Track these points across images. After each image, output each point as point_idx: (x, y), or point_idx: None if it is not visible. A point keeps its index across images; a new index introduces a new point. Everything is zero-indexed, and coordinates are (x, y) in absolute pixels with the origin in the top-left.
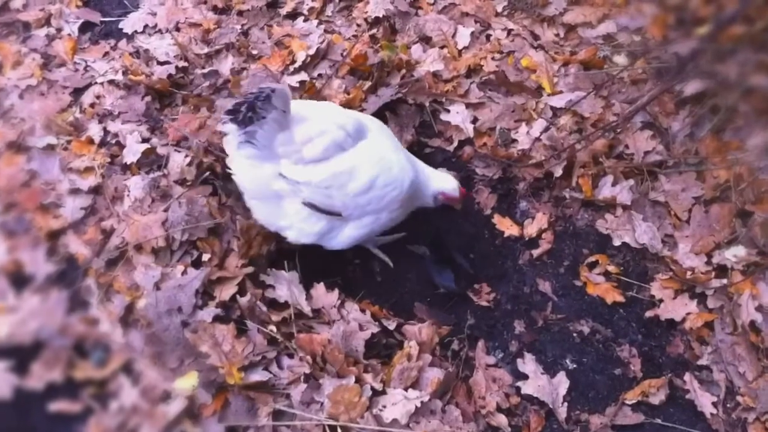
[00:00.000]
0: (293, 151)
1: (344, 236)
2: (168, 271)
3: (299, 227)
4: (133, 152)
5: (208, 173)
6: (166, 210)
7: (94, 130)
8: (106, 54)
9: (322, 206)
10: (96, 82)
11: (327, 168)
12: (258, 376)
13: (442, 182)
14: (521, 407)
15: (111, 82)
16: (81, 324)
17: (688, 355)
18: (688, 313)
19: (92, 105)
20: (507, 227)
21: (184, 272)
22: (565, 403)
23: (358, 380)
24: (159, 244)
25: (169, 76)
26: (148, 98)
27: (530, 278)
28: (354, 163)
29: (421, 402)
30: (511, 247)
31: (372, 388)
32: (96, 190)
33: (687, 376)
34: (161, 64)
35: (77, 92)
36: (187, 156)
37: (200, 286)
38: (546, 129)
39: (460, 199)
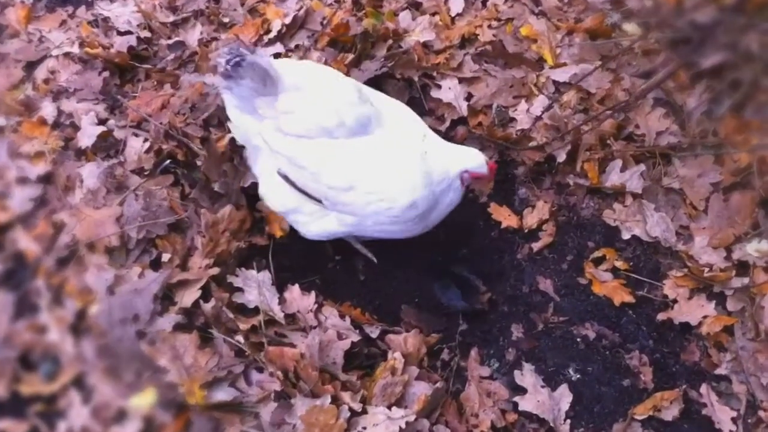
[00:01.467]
0: (272, 117)
1: (320, 226)
2: (123, 273)
3: (271, 191)
4: (88, 135)
5: (168, 161)
6: (121, 204)
7: (48, 110)
8: (63, 23)
9: (298, 184)
10: (51, 55)
11: (306, 147)
12: (223, 394)
13: (465, 160)
14: (518, 425)
15: (67, 55)
16: (28, 332)
17: (705, 363)
18: (705, 316)
19: (46, 81)
20: (504, 217)
21: (141, 274)
22: (568, 420)
23: (335, 399)
24: (113, 242)
25: (130, 48)
26: (106, 73)
27: (529, 275)
28: (337, 154)
29: (407, 422)
30: (508, 239)
31: (350, 409)
32: (47, 179)
33: (703, 388)
34: (122, 34)
35: (30, 66)
36: (146, 141)
37: (159, 290)
38: (548, 107)
39: (490, 177)
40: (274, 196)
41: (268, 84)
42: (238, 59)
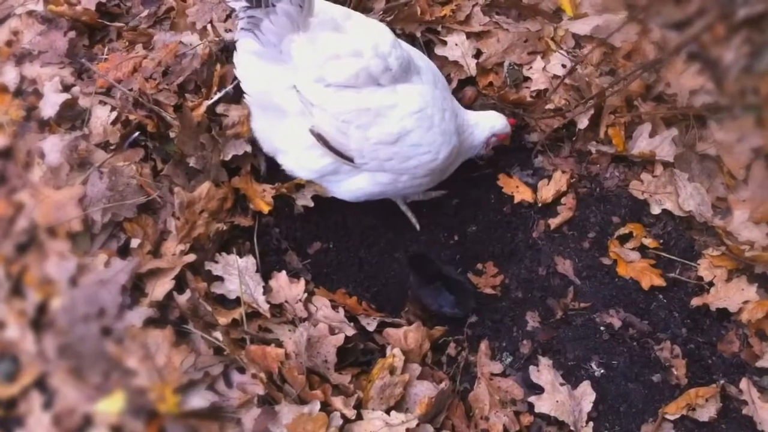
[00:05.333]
0: (314, 64)
1: (352, 186)
2: (87, 262)
3: (298, 157)
4: (51, 104)
5: (137, 133)
6: (84, 183)
7: (9, 76)
8: None
9: (333, 143)
10: (15, 14)
11: (352, 99)
12: (200, 399)
13: (492, 122)
14: (534, 429)
15: (30, 13)
16: None
17: (745, 354)
18: (746, 301)
19: (9, 43)
20: (517, 190)
21: (107, 263)
22: (591, 423)
23: (325, 405)
24: (75, 227)
25: (100, 4)
26: (72, 34)
27: (546, 256)
28: (386, 104)
29: (407, 429)
30: (522, 215)
31: (343, 416)
32: (6, 153)
33: (744, 383)
34: None
35: None
36: (113, 110)
37: (128, 281)
38: (572, 70)
39: (510, 134)
40: (307, 162)
41: (305, 8)
42: None
